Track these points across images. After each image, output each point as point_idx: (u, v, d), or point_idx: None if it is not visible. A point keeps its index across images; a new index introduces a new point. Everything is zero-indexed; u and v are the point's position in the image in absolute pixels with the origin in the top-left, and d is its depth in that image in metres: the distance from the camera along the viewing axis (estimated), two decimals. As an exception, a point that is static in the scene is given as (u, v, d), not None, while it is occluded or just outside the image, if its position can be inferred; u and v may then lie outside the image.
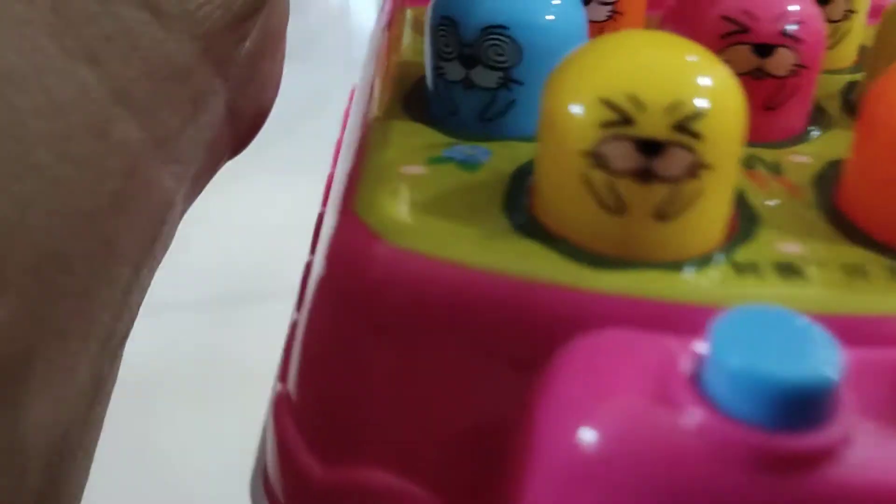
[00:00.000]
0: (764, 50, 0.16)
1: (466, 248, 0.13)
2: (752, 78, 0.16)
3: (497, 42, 0.16)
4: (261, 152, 0.53)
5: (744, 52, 0.16)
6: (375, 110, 0.17)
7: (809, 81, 0.17)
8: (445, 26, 0.16)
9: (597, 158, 0.13)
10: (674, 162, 0.13)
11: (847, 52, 0.20)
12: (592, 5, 0.20)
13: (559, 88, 0.14)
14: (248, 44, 0.15)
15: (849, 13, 0.20)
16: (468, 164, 0.16)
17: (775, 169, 0.16)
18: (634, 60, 0.13)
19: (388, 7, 0.24)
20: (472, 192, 0.15)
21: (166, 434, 0.38)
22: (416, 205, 0.14)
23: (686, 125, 0.13)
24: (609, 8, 0.20)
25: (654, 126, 0.13)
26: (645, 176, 0.13)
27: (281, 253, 0.44)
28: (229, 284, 0.46)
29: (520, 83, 0.16)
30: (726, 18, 0.16)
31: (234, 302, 0.45)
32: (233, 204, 0.47)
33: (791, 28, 0.16)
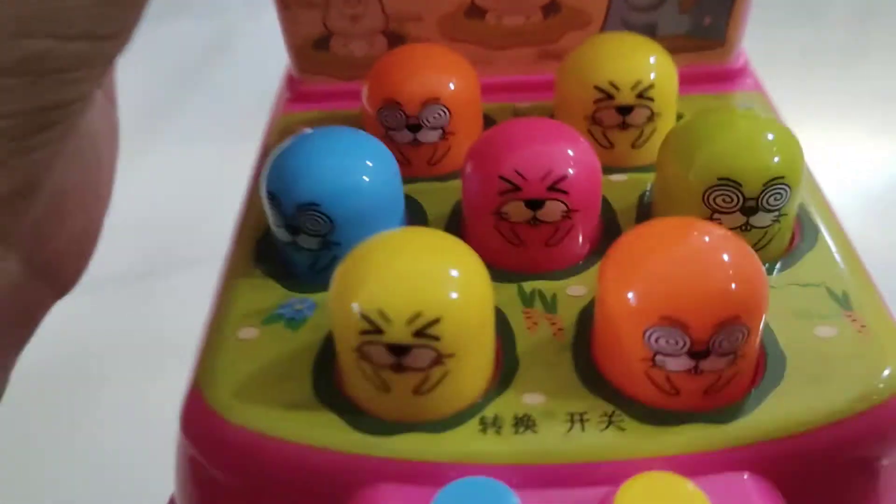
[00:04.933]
0: (535, 204, 0.17)
1: (276, 422, 0.15)
2: (529, 226, 0.18)
3: (311, 216, 0.17)
4: (163, 119, 0.52)
5: (519, 207, 0.17)
6: (232, 263, 0.19)
7: (586, 217, 0.18)
8: (271, 199, 0.18)
9: (361, 354, 0.15)
10: (419, 358, 0.14)
11: (653, 150, 0.21)
12: (424, 131, 0.21)
13: (334, 295, 0.15)
14: (33, 213, 0.14)
15: (652, 116, 0.21)
16: (295, 322, 0.17)
17: (552, 305, 0.17)
18: (389, 273, 0.15)
19: (270, 117, 0.25)
20: (291, 358, 0.17)
21: (100, 411, 0.35)
22: (243, 375, 0.16)
23: (425, 331, 0.14)
24: (439, 132, 0.21)
25: (399, 334, 0.14)
26: (398, 368, 0.15)
27: (195, 219, 0.42)
28: (148, 256, 0.42)
29: (337, 244, 0.18)
30: (502, 178, 0.17)
31: (155, 273, 0.41)
32: (139, 175, 0.40)
33: (557, 182, 0.17)
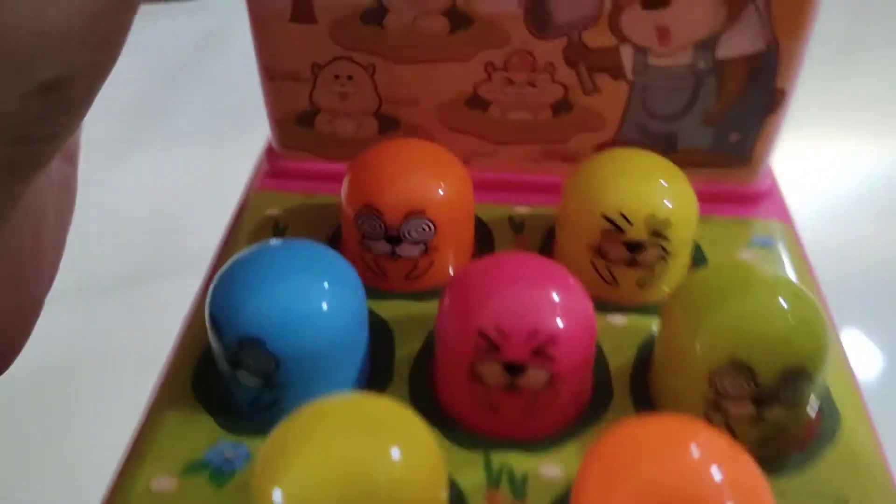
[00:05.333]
0: (515, 369, 0.15)
1: None
2: (506, 392, 0.15)
3: (254, 353, 0.15)
4: (153, 119, 0.50)
5: (496, 369, 0.15)
6: (164, 387, 0.16)
7: (573, 386, 0.15)
8: (213, 325, 0.15)
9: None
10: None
11: (662, 289, 0.18)
12: (404, 244, 0.18)
13: (253, 486, 0.12)
14: None
15: (665, 256, 0.18)
16: (221, 475, 0.15)
17: (521, 489, 0.15)
18: (312, 465, 0.12)
19: (244, 191, 0.22)
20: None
21: (87, 417, 0.34)
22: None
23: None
24: (421, 247, 0.18)
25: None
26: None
27: (185, 222, 0.40)
28: (128, 265, 0.40)
29: (282, 385, 0.15)
30: (480, 334, 0.15)
31: (135, 282, 0.39)
32: (118, 185, 0.41)
33: (544, 346, 0.15)
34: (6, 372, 0.16)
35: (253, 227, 0.20)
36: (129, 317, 0.38)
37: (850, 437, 0.15)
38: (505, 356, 0.14)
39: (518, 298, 0.15)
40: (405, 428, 0.12)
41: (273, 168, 0.22)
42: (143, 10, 0.12)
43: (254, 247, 0.16)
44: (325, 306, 0.15)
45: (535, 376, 0.14)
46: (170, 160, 0.47)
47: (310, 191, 0.22)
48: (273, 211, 0.21)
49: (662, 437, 0.12)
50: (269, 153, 0.23)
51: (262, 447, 0.13)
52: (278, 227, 0.20)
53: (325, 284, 0.15)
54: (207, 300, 0.15)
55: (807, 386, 0.14)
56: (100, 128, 0.51)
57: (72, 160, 0.18)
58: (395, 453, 0.12)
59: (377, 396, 0.13)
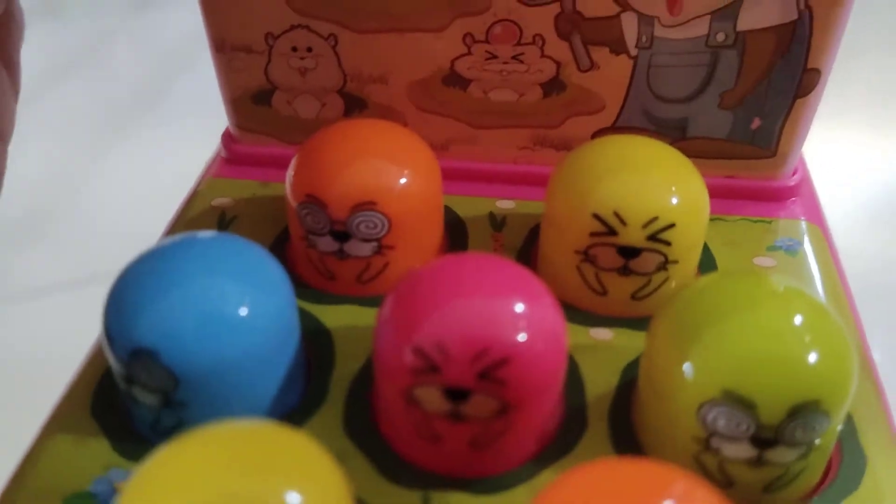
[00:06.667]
0: (457, 394, 0.12)
1: None
2: (448, 420, 0.13)
3: (147, 367, 0.13)
4: (146, 109, 0.50)
5: (435, 394, 0.13)
6: (61, 404, 0.15)
7: (532, 417, 0.13)
8: (105, 337, 0.13)
9: None
10: None
11: (660, 302, 0.16)
12: (353, 241, 0.16)
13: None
14: None
15: (666, 264, 0.15)
16: (106, 511, 0.13)
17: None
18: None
19: (198, 178, 0.20)
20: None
21: None
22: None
23: None
24: (373, 245, 0.16)
25: None
26: None
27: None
28: (121, 259, 0.43)
29: (183, 404, 0.13)
30: (417, 352, 0.12)
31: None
32: (109, 175, 0.41)
33: (493, 369, 0.12)
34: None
35: (195, 218, 0.18)
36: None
37: (877, 482, 0.13)
38: (445, 379, 0.12)
39: (465, 310, 0.12)
40: (294, 466, 0.10)
41: (230, 153, 0.20)
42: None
43: (159, 244, 0.14)
44: (235, 313, 0.13)
45: (483, 404, 0.12)
46: (163, 151, 0.47)
47: (266, 179, 0.20)
48: (222, 200, 0.19)
49: (622, 490, 0.10)
50: (226, 137, 0.21)
51: (124, 485, 0.10)
52: (224, 219, 0.18)
53: (238, 287, 0.13)
54: (103, 308, 0.13)
55: (823, 424, 0.12)
56: (93, 118, 0.50)
57: (2, 137, 0.17)
58: (276, 497, 0.10)
59: (270, 423, 0.11)
